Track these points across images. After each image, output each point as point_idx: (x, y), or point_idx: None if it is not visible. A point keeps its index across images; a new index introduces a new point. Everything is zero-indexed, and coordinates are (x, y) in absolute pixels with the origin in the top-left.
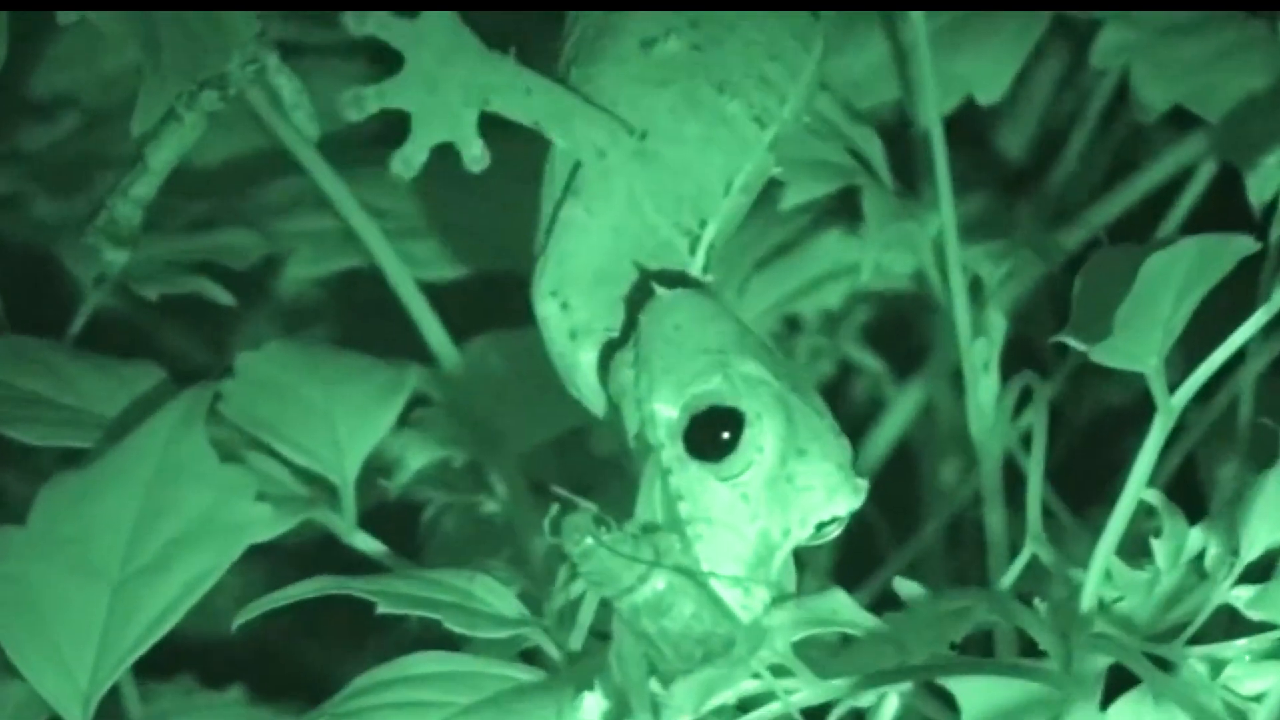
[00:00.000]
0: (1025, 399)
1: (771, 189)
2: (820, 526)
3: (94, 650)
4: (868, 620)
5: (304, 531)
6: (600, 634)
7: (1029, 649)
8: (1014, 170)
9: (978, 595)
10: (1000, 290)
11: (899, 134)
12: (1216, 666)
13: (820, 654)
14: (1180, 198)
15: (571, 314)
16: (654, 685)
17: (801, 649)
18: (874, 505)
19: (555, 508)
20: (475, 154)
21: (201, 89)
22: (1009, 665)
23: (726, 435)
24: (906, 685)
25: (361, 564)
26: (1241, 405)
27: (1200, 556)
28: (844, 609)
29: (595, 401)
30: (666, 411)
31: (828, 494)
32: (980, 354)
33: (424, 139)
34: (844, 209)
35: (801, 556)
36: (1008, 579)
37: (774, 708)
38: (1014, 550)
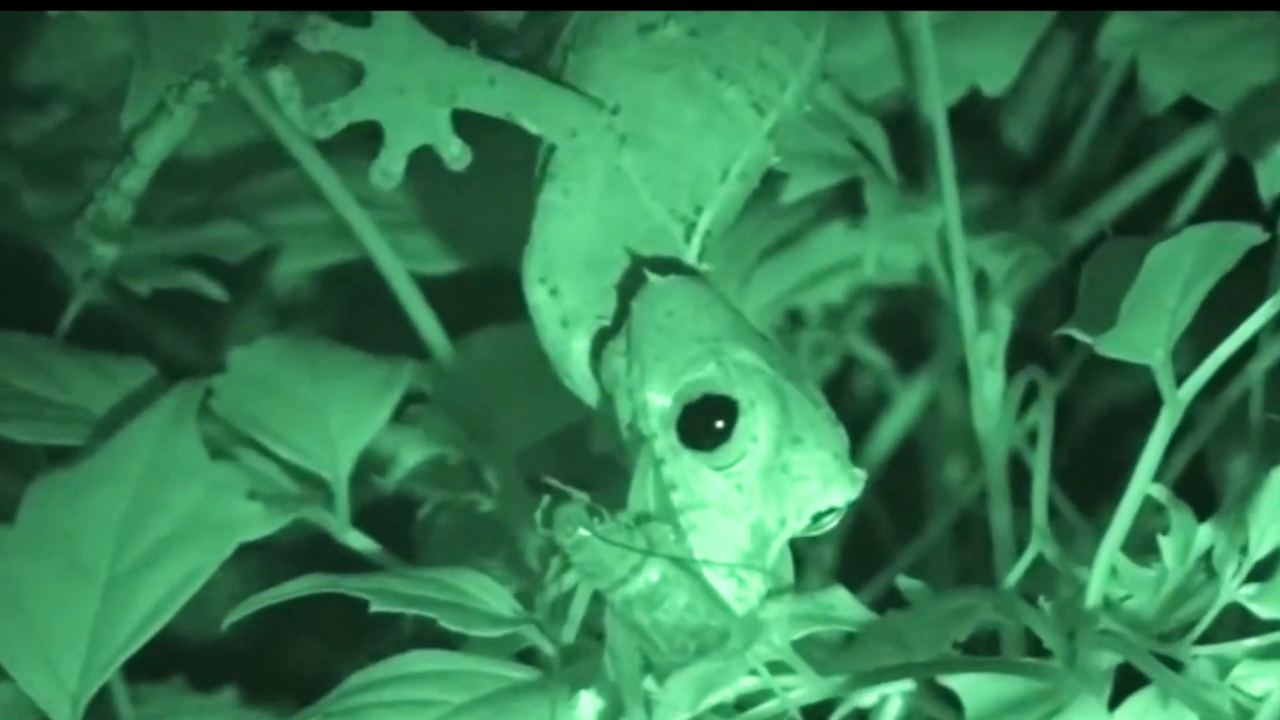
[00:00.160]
0: (1032, 394)
1: (774, 181)
2: (817, 517)
3: (83, 650)
4: (868, 618)
5: (297, 529)
6: (597, 633)
7: (1037, 648)
8: (1020, 162)
9: (982, 594)
10: (1006, 284)
11: (902, 125)
12: (1225, 666)
13: (822, 652)
14: (1190, 189)
15: (562, 301)
16: (649, 683)
17: (803, 647)
18: (878, 502)
19: (547, 499)
20: (454, 153)
21: (192, 81)
22: (1012, 664)
23: (720, 424)
24: (908, 684)
25: (355, 562)
26: (1253, 399)
27: (1209, 554)
28: (844, 606)
29: (588, 391)
30: (659, 400)
31: (824, 484)
32: (985, 349)
33: (399, 146)
34: (847, 201)
35: (805, 554)
36: (1013, 577)
37: (772, 706)
38: (1020, 548)
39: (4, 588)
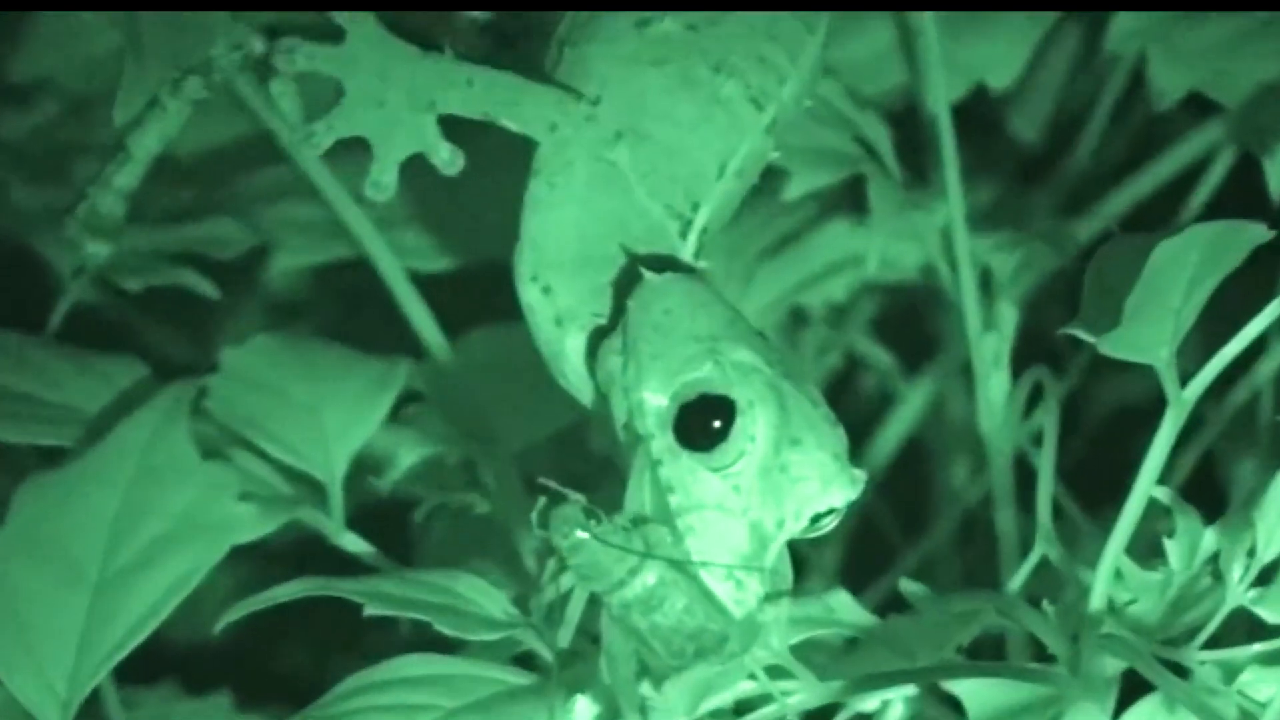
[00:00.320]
0: (1037, 394)
1: (775, 179)
2: (816, 519)
3: (73, 654)
4: (870, 621)
5: (290, 530)
6: (593, 637)
7: (1041, 653)
8: (1026, 158)
9: (986, 597)
10: (1011, 283)
11: (906, 120)
12: (1231, 671)
13: (823, 656)
14: (1198, 186)
15: (555, 299)
16: (646, 688)
17: (803, 651)
18: (882, 503)
19: (543, 500)
20: (445, 158)
21: (185, 76)
22: (1015, 669)
23: (718, 424)
24: (910, 689)
25: (350, 564)
26: (1261, 400)
27: (1215, 557)
28: (845, 609)
29: (583, 391)
30: (655, 400)
31: (823, 485)
32: (991, 349)
33: (388, 158)
34: (850, 199)
35: (807, 556)
36: (1017, 580)
37: (771, 711)
38: (1025, 550)
39: None
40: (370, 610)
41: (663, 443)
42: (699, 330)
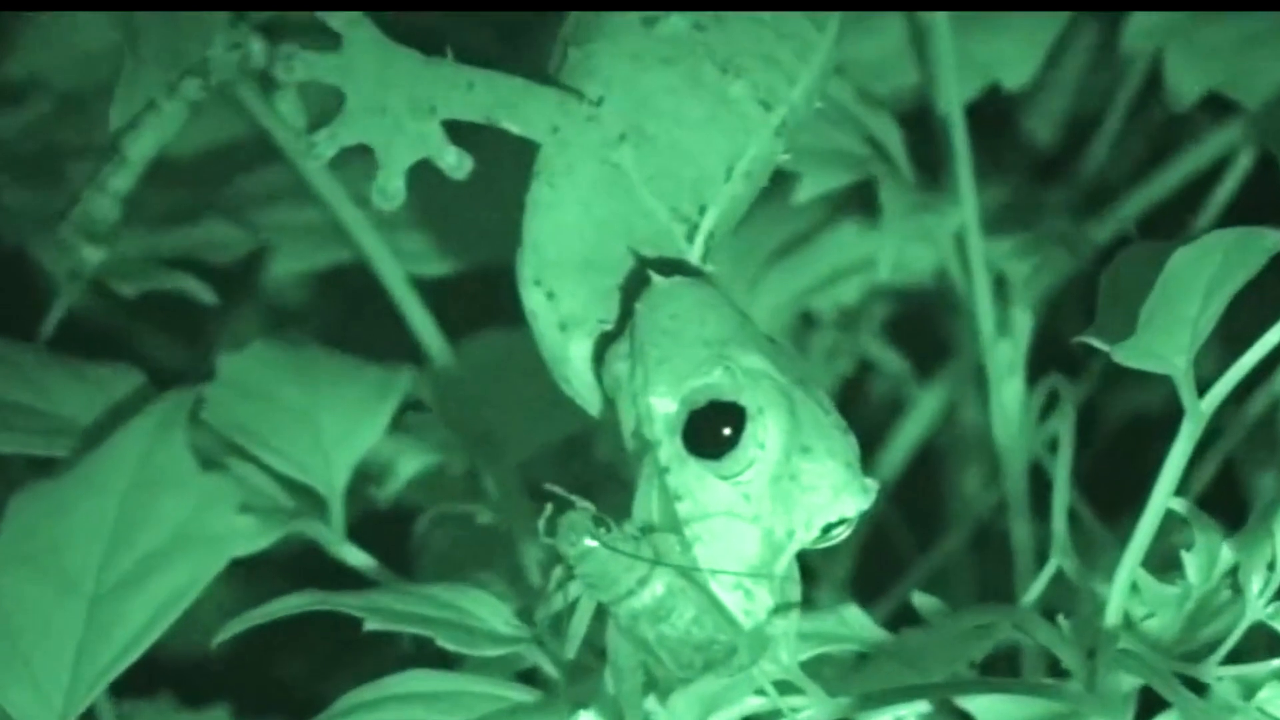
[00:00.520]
0: (1053, 402)
1: (784, 181)
2: (827, 528)
3: (69, 669)
4: (881, 636)
5: (289, 541)
6: (598, 650)
7: (1058, 667)
8: (1041, 159)
9: (1000, 611)
10: (1026, 287)
11: (918, 121)
12: (1251, 687)
13: (833, 671)
14: (1217, 187)
15: (559, 304)
16: (652, 702)
17: (813, 666)
18: (893, 513)
19: (550, 508)
20: (452, 162)
21: (183, 77)
22: (1029, 685)
23: (727, 431)
24: (922, 705)
25: (349, 574)
26: None
27: (1234, 570)
28: (856, 624)
29: (589, 398)
30: (664, 406)
31: (834, 494)
32: (1005, 355)
33: (393, 166)
34: (861, 201)
35: (817, 566)
36: (1032, 593)
37: None
38: (1040, 562)
39: None
40: (371, 626)
41: (671, 449)
42: (708, 335)
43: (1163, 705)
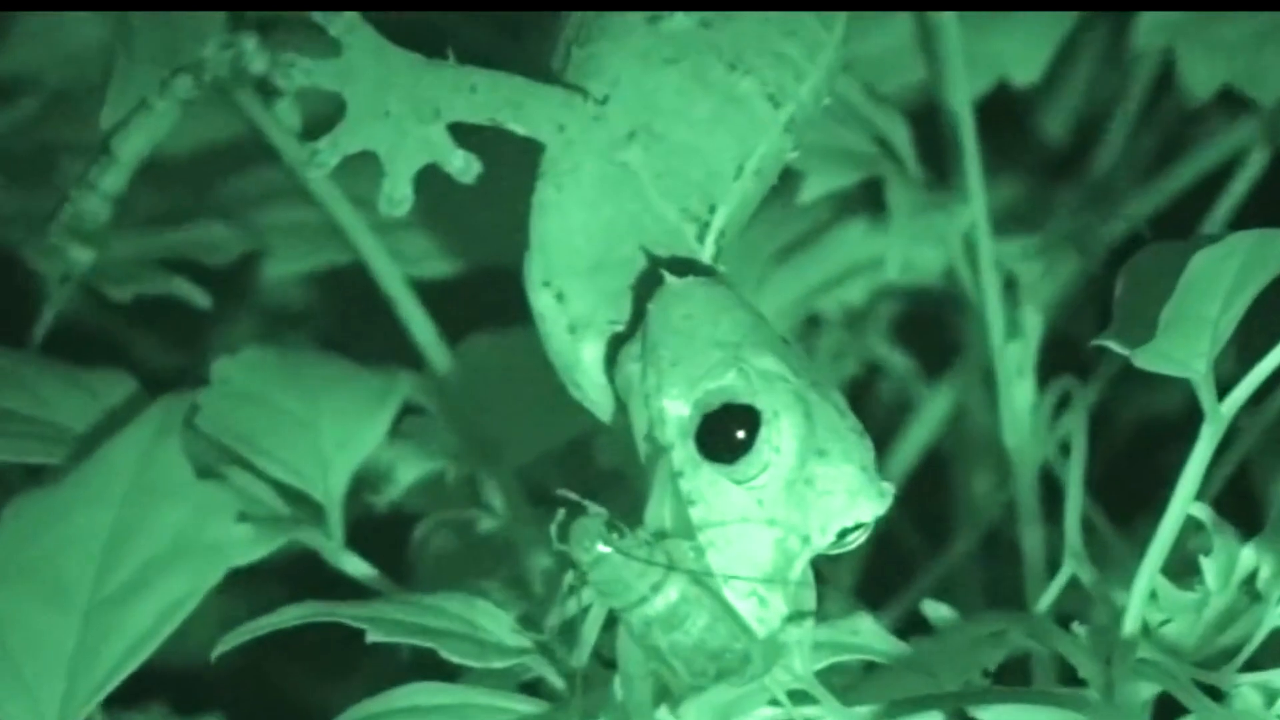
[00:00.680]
0: (1064, 404)
1: (789, 179)
2: (843, 534)
3: (63, 681)
4: (894, 645)
5: (287, 549)
6: (606, 661)
7: (1069, 676)
8: (1051, 157)
9: (1013, 618)
10: (1037, 287)
11: (926, 118)
12: (1271, 695)
13: (844, 680)
14: (1230, 186)
15: (569, 306)
16: (663, 713)
17: (824, 675)
18: (901, 518)
19: (561, 512)
20: (459, 166)
21: (175, 75)
22: (1045, 694)
23: (741, 435)
24: (935, 715)
25: (347, 582)
26: None
27: (1253, 576)
28: (868, 633)
29: (600, 401)
30: (676, 409)
31: (850, 498)
32: (1015, 357)
33: (400, 171)
34: (868, 200)
35: (824, 573)
36: (1045, 600)
37: None
38: (1052, 568)
39: None
40: (373, 637)
41: (684, 453)
42: (722, 336)
43: (1180, 713)
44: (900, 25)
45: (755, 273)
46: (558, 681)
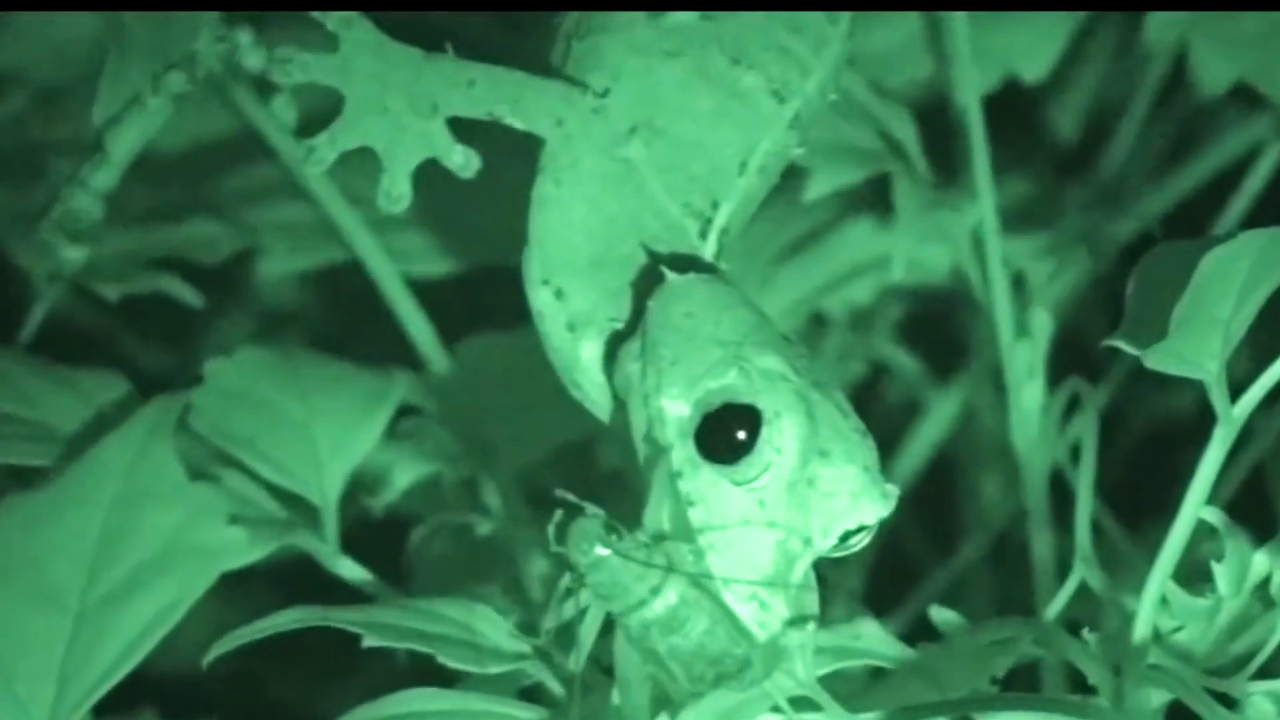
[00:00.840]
0: (1074, 406)
1: (794, 176)
2: (845, 536)
3: (53, 687)
4: (900, 651)
5: (281, 553)
6: (604, 666)
7: (1079, 683)
8: (1061, 154)
9: (1021, 624)
10: (1046, 287)
11: (934, 115)
12: None
13: (848, 687)
14: (1244, 183)
15: (568, 303)
16: (662, 719)
17: (828, 681)
18: (908, 522)
19: (559, 514)
20: (459, 161)
21: (168, 70)
22: (1054, 701)
23: (742, 435)
24: None
25: (342, 587)
26: None
27: (1266, 581)
28: (874, 638)
29: (600, 401)
30: (676, 409)
31: (853, 500)
32: (1024, 357)
33: (398, 167)
34: (874, 197)
35: (829, 578)
36: (1055, 606)
37: None
38: (1062, 573)
39: None
40: (369, 642)
41: (683, 454)
42: (723, 334)
43: None
44: (907, 20)
45: (759, 271)
46: (557, 687)
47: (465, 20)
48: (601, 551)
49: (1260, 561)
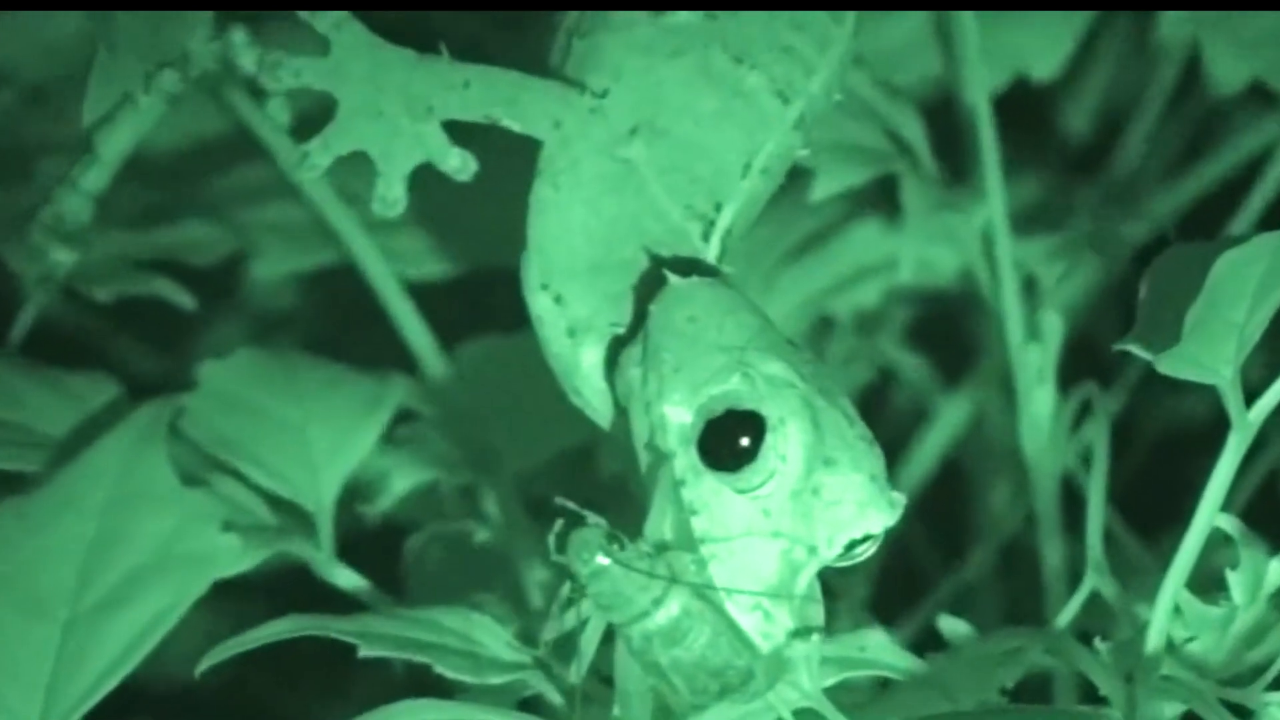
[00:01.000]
0: (1086, 411)
1: (800, 176)
2: (851, 546)
3: (41, 698)
4: (908, 662)
5: (274, 560)
6: (604, 676)
7: (1091, 695)
8: (1073, 154)
9: (1032, 634)
10: (1057, 289)
11: (943, 113)
12: None
13: (855, 698)
14: (1259, 184)
15: (568, 309)
16: None
17: (834, 693)
18: (916, 530)
19: (560, 523)
20: (455, 164)
21: (160, 69)
22: (1065, 713)
23: (746, 442)
24: None
25: (338, 596)
26: None
27: None
28: (881, 648)
29: (600, 407)
30: (679, 415)
31: (858, 509)
32: (1034, 361)
33: (393, 171)
34: (882, 198)
35: (835, 587)
36: (1066, 615)
37: None
38: (1073, 582)
39: None
40: (365, 652)
41: (686, 462)
42: (726, 340)
43: None
44: (915, 17)
45: (763, 274)
46: (557, 698)
47: (460, 20)
48: (603, 561)
49: (1276, 569)
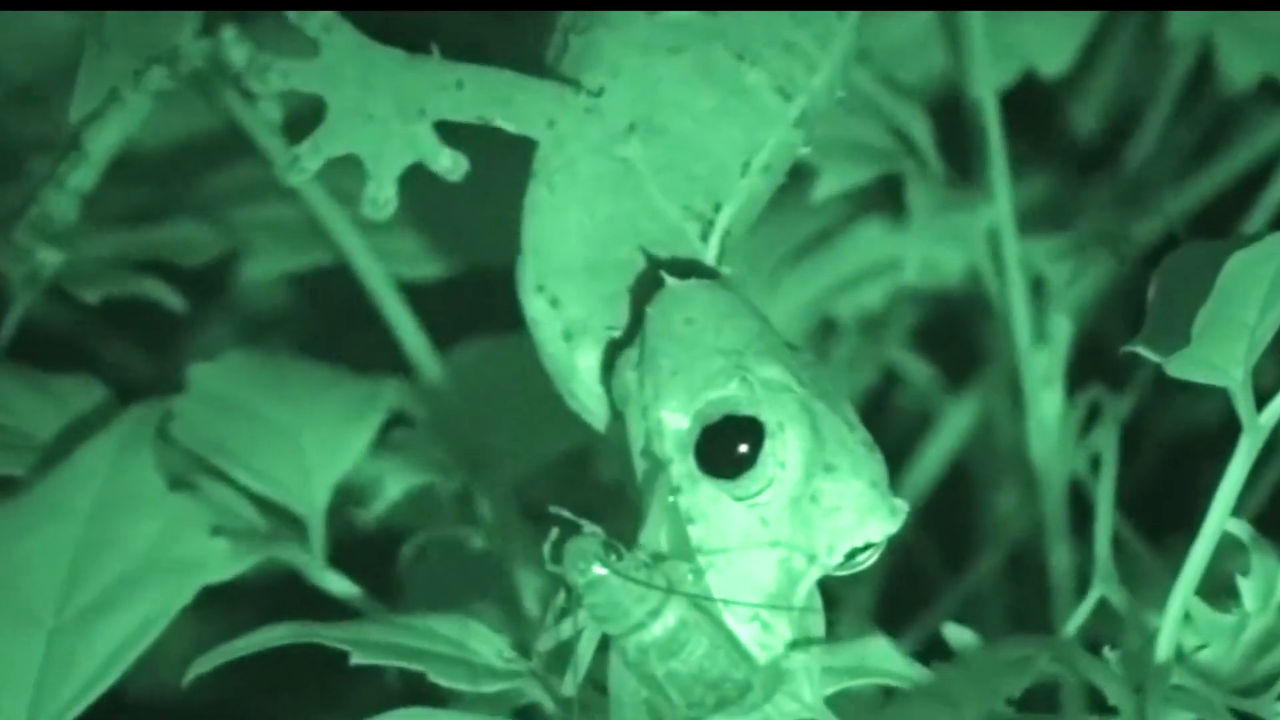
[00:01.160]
0: (1094, 415)
1: (803, 175)
2: (852, 554)
3: (25, 706)
4: (913, 671)
5: (266, 568)
6: (600, 685)
7: (1099, 704)
8: (1082, 152)
9: (1039, 643)
10: (1065, 290)
11: (949, 111)
12: None
13: (858, 708)
14: (1271, 182)
15: (564, 311)
16: None
17: (836, 703)
18: (921, 536)
19: (555, 531)
20: (446, 165)
21: (149, 66)
22: None
23: (744, 449)
24: None
25: (331, 604)
26: None
27: None
28: (885, 657)
29: (597, 411)
30: (675, 421)
31: (859, 516)
32: (1042, 364)
33: (384, 173)
34: (886, 197)
35: (838, 594)
36: (1074, 623)
37: None
38: (1081, 589)
39: None
40: (357, 660)
41: (682, 468)
42: (724, 343)
43: None
44: (919, 12)
45: (765, 275)
46: (552, 707)
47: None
48: (599, 571)
49: None
